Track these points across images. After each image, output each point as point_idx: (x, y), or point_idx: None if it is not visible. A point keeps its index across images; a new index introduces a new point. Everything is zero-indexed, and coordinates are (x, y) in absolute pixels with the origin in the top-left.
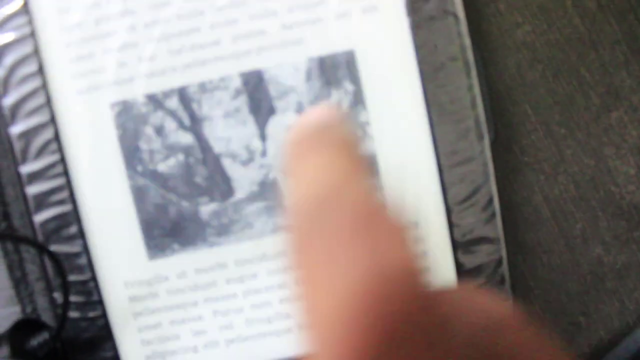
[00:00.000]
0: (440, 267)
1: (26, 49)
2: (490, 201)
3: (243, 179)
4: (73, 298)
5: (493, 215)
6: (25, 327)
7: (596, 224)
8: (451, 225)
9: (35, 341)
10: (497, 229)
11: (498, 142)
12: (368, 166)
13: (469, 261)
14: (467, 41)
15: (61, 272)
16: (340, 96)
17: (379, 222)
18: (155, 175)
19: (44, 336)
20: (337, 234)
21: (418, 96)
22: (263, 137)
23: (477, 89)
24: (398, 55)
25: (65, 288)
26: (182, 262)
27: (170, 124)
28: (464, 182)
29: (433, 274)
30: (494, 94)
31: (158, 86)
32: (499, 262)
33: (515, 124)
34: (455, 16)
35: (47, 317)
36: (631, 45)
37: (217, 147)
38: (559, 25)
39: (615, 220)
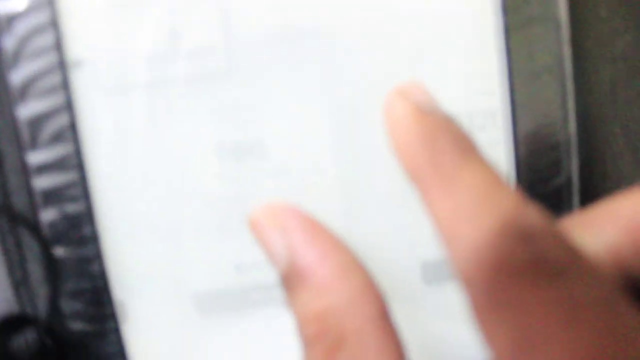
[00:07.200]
0: None
1: (41, 17)
2: None
3: None
4: (84, 309)
5: None
6: (13, 323)
7: None
8: None
9: (21, 338)
10: None
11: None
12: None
13: None
14: (567, 50)
15: (47, 251)
16: None
17: None
18: None
19: (31, 333)
20: None
21: (505, 109)
22: None
23: (571, 105)
24: (485, 60)
25: (54, 273)
26: None
27: None
28: (545, 209)
29: None
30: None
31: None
32: None
33: (601, 145)
34: (557, 21)
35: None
36: None
37: None
38: None
39: None
